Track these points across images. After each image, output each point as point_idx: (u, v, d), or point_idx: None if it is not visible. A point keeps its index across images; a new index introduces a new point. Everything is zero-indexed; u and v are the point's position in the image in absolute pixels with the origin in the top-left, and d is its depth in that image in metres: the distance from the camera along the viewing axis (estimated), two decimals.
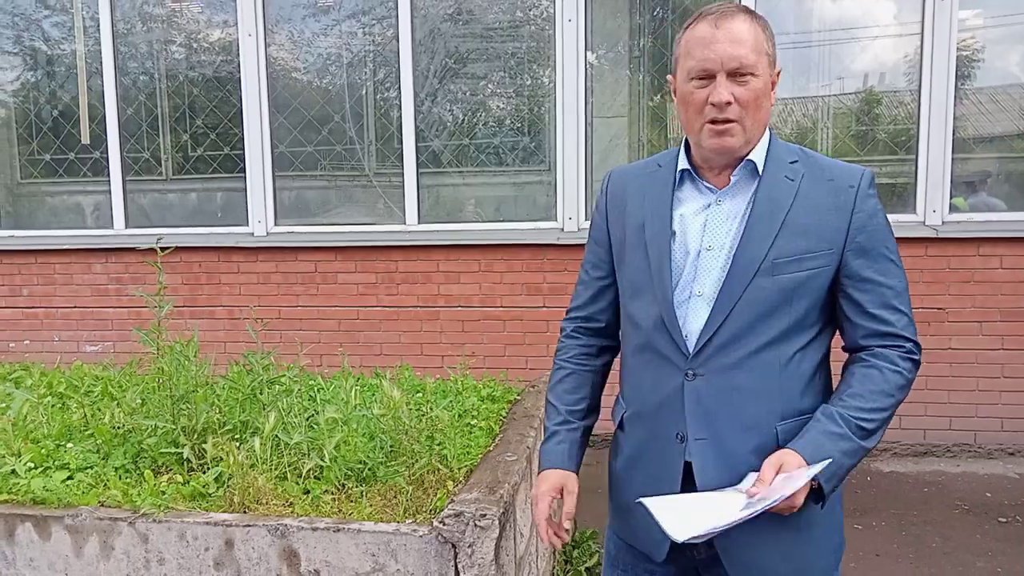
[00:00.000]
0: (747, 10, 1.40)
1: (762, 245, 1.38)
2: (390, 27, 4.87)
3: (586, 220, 4.66)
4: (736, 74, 1.35)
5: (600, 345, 1.65)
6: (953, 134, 4.28)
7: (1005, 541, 3.49)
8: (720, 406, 1.40)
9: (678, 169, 1.49)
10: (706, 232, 1.43)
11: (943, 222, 4.27)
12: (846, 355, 1.50)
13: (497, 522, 1.95)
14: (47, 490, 2.20)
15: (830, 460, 1.30)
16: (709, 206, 1.45)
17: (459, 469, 2.34)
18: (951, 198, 4.33)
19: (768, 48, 1.39)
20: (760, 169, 1.43)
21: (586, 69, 4.60)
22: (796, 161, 1.45)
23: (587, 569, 3.18)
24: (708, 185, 1.47)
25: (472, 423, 2.73)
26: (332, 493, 2.22)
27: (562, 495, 1.56)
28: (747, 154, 1.43)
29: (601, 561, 3.26)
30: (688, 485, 1.43)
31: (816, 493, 1.34)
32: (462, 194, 5.05)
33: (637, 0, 4.78)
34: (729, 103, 1.35)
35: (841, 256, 1.40)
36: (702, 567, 1.52)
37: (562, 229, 4.67)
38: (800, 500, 1.30)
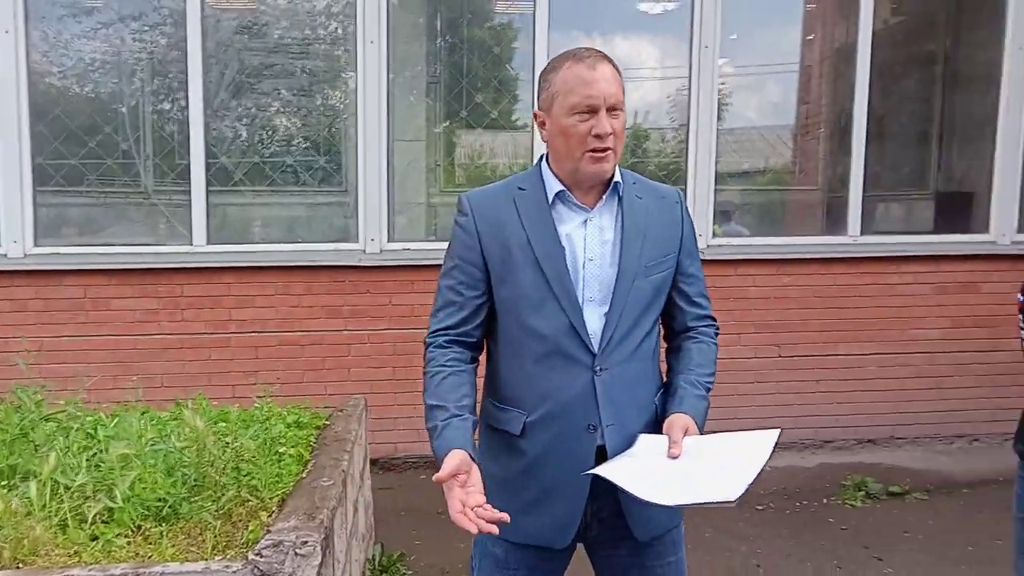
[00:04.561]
0: (607, 56, 1.63)
1: (637, 253, 1.66)
2: (175, 36, 4.55)
3: (388, 242, 4.64)
4: (612, 109, 1.59)
5: (472, 355, 1.73)
6: (716, 168, 4.84)
7: (762, 526, 4.00)
8: (623, 394, 1.66)
9: (551, 191, 1.67)
10: (587, 245, 1.66)
11: (707, 246, 4.80)
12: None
13: (319, 548, 1.89)
14: None
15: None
16: (585, 223, 1.67)
17: (271, 499, 2.23)
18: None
19: (624, 87, 1.64)
20: (621, 191, 1.69)
21: (388, 91, 4.62)
22: (636, 183, 1.75)
23: None
24: (579, 204, 1.67)
25: (281, 451, 2.61)
26: (126, 536, 2.02)
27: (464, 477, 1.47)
28: (612, 177, 1.67)
29: None
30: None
31: None
32: (255, 214, 4.82)
33: (433, 27, 4.91)
34: (611, 134, 1.58)
35: (678, 257, 1.74)
36: (593, 543, 1.76)
37: (364, 251, 4.62)
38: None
